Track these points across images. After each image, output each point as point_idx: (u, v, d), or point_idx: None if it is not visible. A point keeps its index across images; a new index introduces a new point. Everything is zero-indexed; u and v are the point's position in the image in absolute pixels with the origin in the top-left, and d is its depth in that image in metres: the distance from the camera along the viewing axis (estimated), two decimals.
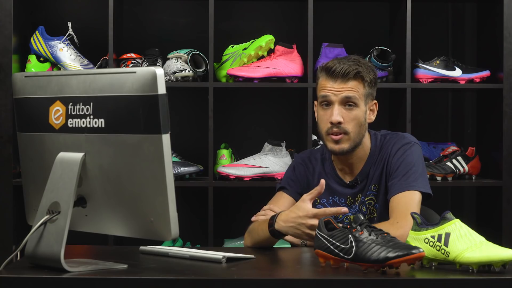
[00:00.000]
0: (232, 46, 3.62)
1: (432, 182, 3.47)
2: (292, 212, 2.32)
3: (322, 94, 2.51)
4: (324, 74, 2.53)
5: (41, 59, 3.58)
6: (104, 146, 1.92)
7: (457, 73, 3.61)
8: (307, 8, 3.50)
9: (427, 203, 2.63)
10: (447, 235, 1.93)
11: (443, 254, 1.93)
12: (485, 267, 1.89)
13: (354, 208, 2.58)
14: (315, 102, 2.63)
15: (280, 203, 2.59)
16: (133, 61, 3.54)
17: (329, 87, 2.50)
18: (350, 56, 2.58)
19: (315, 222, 2.25)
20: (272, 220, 2.36)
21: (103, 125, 1.91)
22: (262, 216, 2.52)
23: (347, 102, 2.49)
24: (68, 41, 3.57)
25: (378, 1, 3.88)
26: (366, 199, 2.57)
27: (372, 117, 2.58)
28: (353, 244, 1.93)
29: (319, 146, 2.74)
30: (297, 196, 2.62)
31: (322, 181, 2.33)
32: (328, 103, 2.51)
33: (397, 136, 2.60)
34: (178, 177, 3.48)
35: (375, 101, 2.59)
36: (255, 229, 2.46)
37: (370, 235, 1.93)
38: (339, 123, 2.48)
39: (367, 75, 2.52)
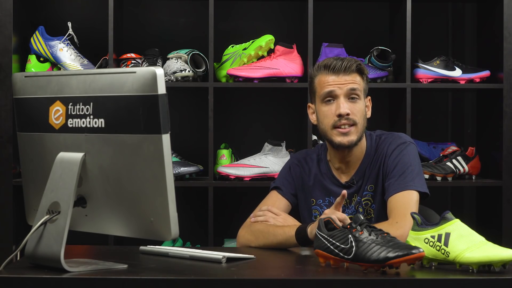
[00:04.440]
0: (232, 46, 3.62)
1: (432, 182, 3.50)
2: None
3: (325, 90, 2.51)
4: (324, 71, 2.52)
5: (41, 59, 3.58)
6: (104, 146, 1.92)
7: (457, 73, 3.61)
8: (307, 8, 3.50)
9: (427, 203, 2.63)
10: (447, 235, 1.93)
11: (443, 254, 1.93)
12: (485, 267, 1.89)
13: (350, 208, 2.58)
14: (309, 105, 2.62)
15: (276, 204, 2.59)
16: (133, 61, 3.54)
17: (332, 82, 2.50)
18: (340, 56, 2.60)
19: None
20: (301, 230, 2.35)
21: (103, 125, 1.91)
22: (261, 218, 2.52)
23: (351, 95, 2.50)
24: (68, 41, 3.57)
25: (378, 1, 3.88)
26: (362, 199, 2.57)
27: (368, 112, 2.59)
28: (353, 244, 1.93)
29: (314, 147, 2.74)
30: (290, 197, 2.63)
31: (344, 191, 2.33)
32: (332, 98, 2.51)
33: (393, 136, 2.60)
34: (178, 177, 3.48)
35: (369, 97, 2.61)
36: (263, 232, 2.46)
37: (370, 235, 1.93)
38: (347, 114, 2.48)
39: (365, 69, 2.56)
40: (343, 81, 2.50)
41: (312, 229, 2.31)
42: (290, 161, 2.71)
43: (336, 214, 2.24)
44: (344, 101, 2.49)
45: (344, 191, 2.32)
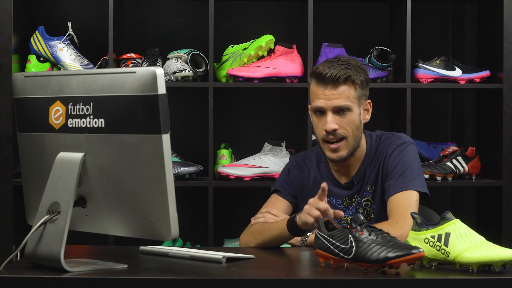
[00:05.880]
0: (232, 46, 3.62)
1: (432, 182, 3.50)
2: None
3: (314, 104, 2.50)
4: (315, 80, 2.50)
5: (41, 59, 3.58)
6: (104, 146, 1.92)
7: (457, 73, 3.61)
8: (307, 8, 3.50)
9: (427, 203, 2.63)
10: (447, 235, 1.93)
11: (443, 254, 1.93)
12: (485, 267, 1.89)
13: (351, 209, 2.58)
14: (310, 106, 2.62)
15: (276, 206, 2.59)
16: (133, 61, 3.54)
17: (321, 95, 2.48)
18: (340, 57, 2.55)
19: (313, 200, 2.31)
20: (292, 220, 2.38)
21: (103, 125, 1.91)
22: (261, 219, 2.53)
23: (339, 110, 2.48)
24: (68, 41, 3.57)
25: (378, 1, 3.88)
26: (362, 200, 2.57)
27: (367, 117, 2.57)
28: (353, 244, 1.93)
29: (314, 147, 2.74)
30: (291, 199, 2.63)
31: (324, 184, 2.33)
32: (321, 111, 2.50)
33: (392, 136, 2.60)
34: (178, 177, 3.48)
35: (369, 100, 2.57)
36: (259, 230, 2.47)
37: (370, 235, 1.93)
38: (334, 130, 2.48)
39: (357, 77, 2.49)
40: (331, 95, 2.47)
41: (300, 217, 2.33)
42: (289, 164, 2.71)
43: (319, 205, 2.28)
44: (331, 116, 2.47)
45: (324, 184, 2.33)
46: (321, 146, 2.54)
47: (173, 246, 2.82)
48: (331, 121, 2.47)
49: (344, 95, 2.47)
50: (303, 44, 3.57)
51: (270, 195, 2.67)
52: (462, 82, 3.60)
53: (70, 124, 1.97)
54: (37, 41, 3.56)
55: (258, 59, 3.61)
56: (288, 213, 2.59)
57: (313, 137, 3.54)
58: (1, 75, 3.41)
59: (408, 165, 2.50)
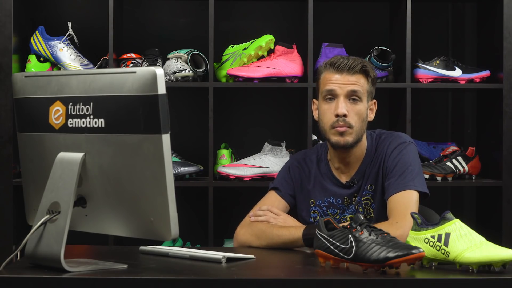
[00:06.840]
0: (232, 46, 3.62)
1: (432, 182, 3.50)
2: None
3: (327, 87, 2.52)
4: (329, 68, 2.53)
5: (41, 59, 3.58)
6: (104, 146, 1.92)
7: (457, 73, 3.61)
8: (307, 8, 3.50)
9: (427, 203, 2.63)
10: (447, 235, 1.93)
11: (443, 254, 1.93)
12: (485, 267, 1.89)
13: (350, 208, 2.58)
14: (314, 100, 2.63)
15: (275, 205, 2.59)
16: (133, 61, 3.54)
17: (334, 80, 2.51)
18: (349, 56, 2.60)
19: None
20: (309, 232, 2.35)
21: (103, 125, 1.91)
22: (262, 218, 2.52)
23: (352, 96, 2.50)
24: (68, 41, 3.57)
25: (378, 1, 3.88)
26: (362, 199, 2.57)
27: (371, 115, 2.60)
28: (353, 244, 1.93)
29: (313, 147, 2.74)
30: (289, 199, 2.63)
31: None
32: (332, 97, 2.51)
33: (392, 136, 2.60)
34: (178, 177, 3.48)
35: (375, 101, 2.60)
36: (266, 233, 2.45)
37: (370, 235, 1.93)
38: (345, 115, 2.49)
39: (371, 71, 2.55)
40: (346, 81, 2.50)
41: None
42: (290, 162, 2.72)
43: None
44: (343, 101, 2.50)
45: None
46: (328, 133, 2.53)
47: (173, 246, 2.82)
48: (343, 106, 2.49)
49: (359, 83, 2.51)
50: (303, 44, 3.57)
51: (267, 191, 2.67)
52: (462, 82, 3.60)
53: (70, 124, 1.97)
54: (37, 41, 3.56)
55: (258, 59, 3.61)
56: (285, 213, 2.59)
57: (313, 137, 3.54)
58: (1, 75, 3.41)
59: (408, 164, 2.51)
